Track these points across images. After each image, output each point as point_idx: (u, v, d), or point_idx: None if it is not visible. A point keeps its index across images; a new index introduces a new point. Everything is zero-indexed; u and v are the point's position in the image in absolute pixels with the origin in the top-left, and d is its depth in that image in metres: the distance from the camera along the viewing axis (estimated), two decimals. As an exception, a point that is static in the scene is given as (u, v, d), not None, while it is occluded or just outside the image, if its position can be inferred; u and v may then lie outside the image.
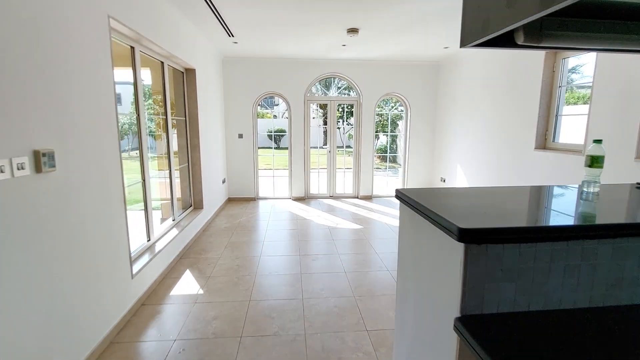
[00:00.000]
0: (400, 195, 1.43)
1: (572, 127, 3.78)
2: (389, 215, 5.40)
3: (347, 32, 4.21)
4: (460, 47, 1.31)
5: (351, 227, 4.74)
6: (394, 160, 11.38)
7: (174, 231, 3.61)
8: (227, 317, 2.50)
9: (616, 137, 2.92)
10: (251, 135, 6.13)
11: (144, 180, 3.06)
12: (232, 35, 4.45)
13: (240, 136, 6.10)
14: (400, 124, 13.64)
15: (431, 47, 5.09)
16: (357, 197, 6.57)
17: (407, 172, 6.55)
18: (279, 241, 4.18)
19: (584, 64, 3.75)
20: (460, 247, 0.96)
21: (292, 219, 5.18)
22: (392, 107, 13.09)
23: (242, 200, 6.27)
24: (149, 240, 3.17)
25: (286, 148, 6.38)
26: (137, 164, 3.04)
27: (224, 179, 5.97)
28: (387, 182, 7.19)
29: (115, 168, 2.33)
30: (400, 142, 13.23)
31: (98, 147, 2.12)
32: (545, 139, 3.86)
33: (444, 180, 6.10)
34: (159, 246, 3.18)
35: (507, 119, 4.34)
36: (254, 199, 6.34)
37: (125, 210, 2.49)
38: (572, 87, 3.83)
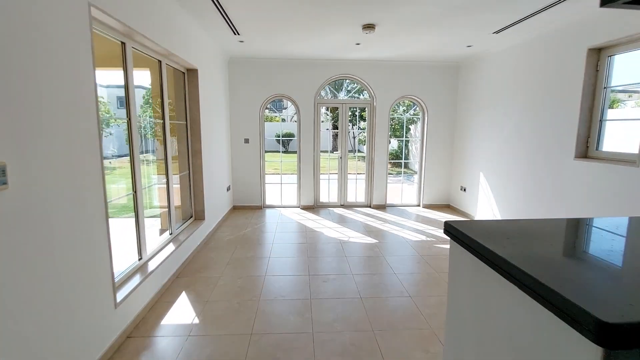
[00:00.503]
0: (455, 232, 1.04)
1: (619, 134, 3.33)
2: (405, 227, 4.98)
3: (363, 28, 3.84)
4: (600, 6, 0.91)
5: (365, 242, 4.34)
6: (406, 165, 10.92)
7: (170, 247, 3.27)
8: (224, 357, 2.12)
9: (685, 147, 2.47)
10: (258, 140, 5.78)
11: (135, 192, 2.72)
12: (238, 33, 4.11)
13: (247, 141, 5.76)
14: (413, 127, 13.22)
15: (452, 46, 4.68)
16: (370, 206, 6.17)
17: (423, 179, 6.12)
18: (287, 257, 3.80)
19: (634, 62, 3.29)
20: (593, 351, 0.56)
21: (301, 230, 4.80)
22: (405, 110, 12.66)
23: (247, 209, 5.92)
24: (140, 258, 2.83)
25: (295, 152, 6.03)
26: (144, 169, 2.71)
27: (229, 186, 5.63)
28: (401, 190, 6.76)
29: (95, 181, 1.99)
30: (413, 147, 12.78)
31: (72, 156, 1.77)
32: (587, 147, 3.41)
33: (465, 190, 5.65)
34: (152, 265, 2.84)
35: (541, 124, 3.90)
36: (260, 208, 5.99)
37: (108, 228, 2.14)
38: (617, 89, 3.37)
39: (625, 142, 3.23)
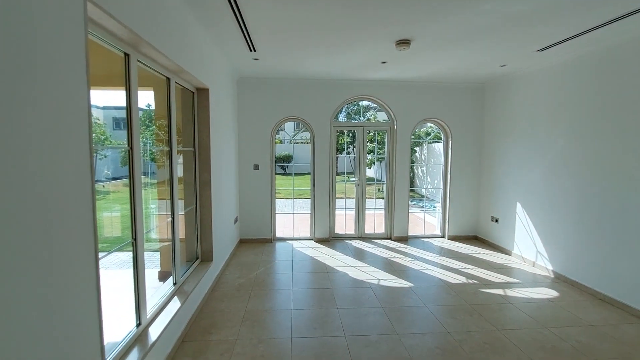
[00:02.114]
0: None
1: None
2: (437, 265, 4.40)
3: (397, 44, 3.43)
4: None
5: (398, 285, 3.74)
6: (412, 190, 10.42)
7: (175, 303, 2.64)
8: None
9: None
10: (268, 166, 5.26)
11: (134, 240, 2.13)
12: (254, 50, 3.67)
13: (256, 167, 5.23)
14: (419, 150, 12.85)
15: (485, 65, 4.31)
16: (391, 238, 5.60)
17: (448, 209, 5.60)
18: (312, 310, 3.17)
19: None
20: None
21: (321, 270, 4.18)
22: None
23: (256, 243, 5.30)
24: (139, 324, 2.20)
25: (297, 174, 5.49)
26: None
27: (236, 217, 5.04)
28: (424, 220, 6.23)
29: (83, 222, 1.42)
30: (418, 170, 12.35)
31: (47, 199, 1.21)
32: (664, 178, 2.94)
33: (497, 220, 5.13)
34: (153, 333, 2.21)
35: (597, 152, 3.44)
36: (270, 241, 5.37)
37: (98, 281, 1.54)
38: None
39: None
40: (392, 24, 2.96)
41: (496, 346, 2.59)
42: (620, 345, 2.60)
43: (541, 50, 3.65)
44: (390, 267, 4.33)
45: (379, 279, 3.91)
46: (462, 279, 3.92)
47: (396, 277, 3.97)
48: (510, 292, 3.58)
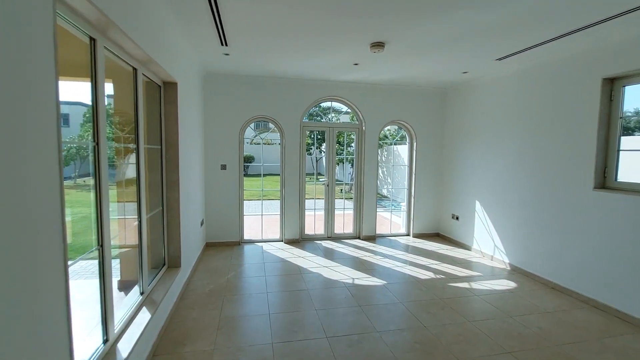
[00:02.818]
0: None
1: (633, 164, 3.29)
2: (406, 262, 4.55)
3: (371, 46, 3.48)
4: None
5: (372, 283, 3.80)
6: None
7: (144, 315, 2.42)
8: None
9: None
10: (237, 166, 5.06)
11: (101, 247, 1.92)
12: (226, 44, 3.51)
13: (224, 167, 5.01)
14: (380, 152, 13.24)
15: (449, 71, 4.55)
16: (359, 237, 5.68)
17: (413, 208, 5.83)
18: (290, 312, 3.10)
19: (643, 93, 3.32)
20: None
21: (294, 272, 4.11)
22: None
23: (223, 246, 5.08)
24: (106, 340, 1.98)
25: (257, 175, 5.39)
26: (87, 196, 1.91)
27: (202, 220, 4.78)
28: (390, 219, 6.41)
29: (51, 222, 1.23)
30: (380, 172, 12.73)
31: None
32: (605, 177, 3.32)
33: (457, 218, 5.44)
34: (123, 350, 2.00)
35: (550, 152, 3.79)
36: (238, 243, 5.18)
37: (69, 318, 1.35)
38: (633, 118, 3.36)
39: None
40: (369, 27, 2.99)
41: (469, 337, 2.73)
42: (574, 329, 2.88)
43: (500, 59, 3.93)
44: (363, 266, 4.39)
45: (353, 278, 3.94)
46: (431, 275, 4.10)
47: (369, 276, 4.03)
48: (474, 285, 3.81)
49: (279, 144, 5.31)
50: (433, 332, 2.80)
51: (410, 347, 2.57)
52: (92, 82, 1.85)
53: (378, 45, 3.44)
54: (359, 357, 2.44)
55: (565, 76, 3.60)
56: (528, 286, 3.80)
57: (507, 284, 3.86)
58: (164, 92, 3.18)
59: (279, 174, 5.37)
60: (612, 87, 3.25)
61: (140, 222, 2.59)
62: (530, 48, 3.49)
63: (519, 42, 3.36)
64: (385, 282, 3.86)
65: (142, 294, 2.64)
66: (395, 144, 10.70)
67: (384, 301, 3.36)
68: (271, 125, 5.37)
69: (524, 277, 4.06)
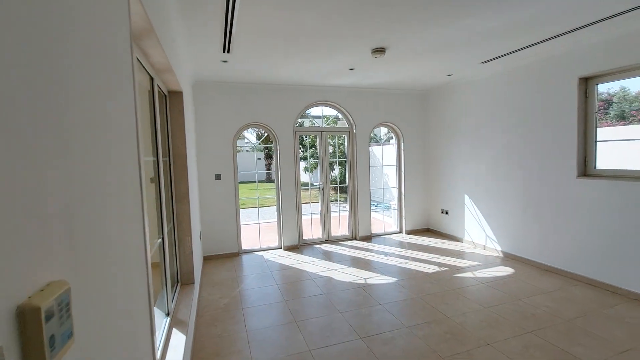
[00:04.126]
0: None
1: (611, 152, 3.70)
2: (409, 258, 4.71)
3: (373, 51, 3.60)
4: None
5: (384, 282, 3.90)
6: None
7: (178, 336, 2.29)
8: None
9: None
10: (232, 175, 4.94)
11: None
12: (229, 51, 3.44)
13: (218, 177, 4.86)
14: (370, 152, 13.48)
15: (435, 74, 4.81)
16: (356, 238, 5.77)
17: (404, 206, 6.04)
18: (316, 318, 3.09)
19: (612, 89, 3.75)
20: None
21: (304, 278, 4.09)
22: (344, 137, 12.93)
23: (222, 258, 4.91)
24: (152, 367, 1.85)
25: (256, 182, 5.32)
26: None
27: (200, 233, 4.60)
28: (383, 218, 6.55)
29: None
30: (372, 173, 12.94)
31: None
32: (585, 166, 3.70)
33: (447, 212, 5.73)
34: (170, 375, 1.88)
35: (534, 146, 4.14)
36: (237, 254, 5.03)
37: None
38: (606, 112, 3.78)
39: (618, 161, 3.59)
40: (374, 33, 3.10)
41: (491, 322, 2.90)
42: (576, 305, 3.17)
43: (484, 62, 4.24)
44: (369, 265, 4.47)
45: (364, 278, 4.01)
46: (435, 268, 4.28)
47: (379, 274, 4.12)
48: (477, 274, 4.04)
49: (249, 151, 5.26)
50: (457, 322, 2.94)
51: (442, 338, 2.68)
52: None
53: (379, 50, 3.57)
54: (398, 352, 2.50)
55: (545, 76, 3.97)
56: (523, 270, 4.11)
57: (505, 270, 4.14)
58: (170, 102, 3.05)
59: (253, 182, 5.29)
60: (587, 85, 3.64)
61: (163, 238, 2.45)
62: (513, 52, 3.81)
63: (503, 46, 3.65)
64: (396, 279, 3.97)
65: (168, 314, 2.50)
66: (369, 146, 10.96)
67: (402, 297, 3.46)
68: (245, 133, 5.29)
69: (517, 262, 4.38)
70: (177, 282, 3.13)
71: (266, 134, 5.38)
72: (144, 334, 1.21)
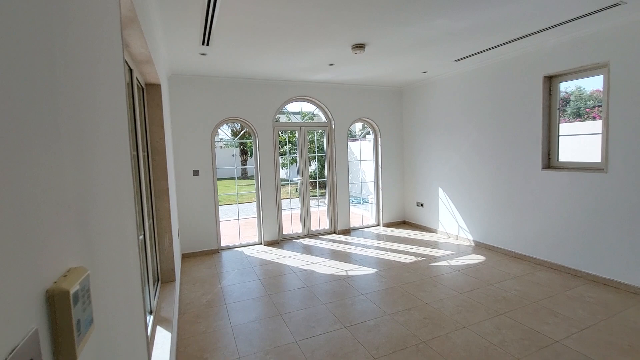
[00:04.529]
0: None
1: (571, 146, 4.00)
2: (387, 250, 4.85)
3: (353, 47, 3.66)
4: None
5: (365, 273, 4.00)
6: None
7: (162, 333, 2.26)
8: None
9: (646, 154, 3.07)
10: (210, 170, 4.85)
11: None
12: (208, 44, 3.37)
13: (196, 173, 4.75)
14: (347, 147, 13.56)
15: (411, 71, 4.95)
16: (335, 232, 5.86)
17: (381, 199, 6.19)
18: (301, 310, 3.13)
19: (569, 87, 4.04)
20: None
21: (286, 272, 4.12)
22: (322, 132, 12.99)
23: (202, 255, 4.83)
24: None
25: (235, 179, 5.27)
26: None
27: (179, 230, 4.48)
28: (361, 211, 6.67)
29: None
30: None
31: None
32: (549, 159, 3.97)
33: (422, 205, 5.94)
34: (157, 372, 1.86)
35: (503, 140, 4.39)
36: (216, 251, 4.96)
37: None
38: (567, 108, 4.07)
39: (577, 154, 3.89)
40: (354, 29, 3.15)
41: (466, 306, 3.08)
42: (541, 287, 3.42)
43: (458, 60, 4.42)
44: (349, 258, 4.57)
45: (346, 270, 4.10)
46: (413, 258, 4.45)
47: (359, 266, 4.23)
48: (452, 262, 4.24)
49: (223, 147, 5.21)
50: (435, 307, 3.09)
51: (422, 323, 2.81)
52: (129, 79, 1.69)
53: (359, 46, 3.63)
54: (382, 339, 2.60)
55: (513, 74, 4.20)
56: (493, 257, 4.36)
57: (476, 258, 4.37)
58: (147, 95, 2.95)
59: (229, 178, 5.25)
60: (551, 83, 3.90)
61: (144, 234, 2.39)
62: (485, 51, 4.00)
63: (475, 46, 3.83)
64: (375, 270, 4.09)
65: (151, 312, 2.44)
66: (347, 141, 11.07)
67: (382, 287, 3.58)
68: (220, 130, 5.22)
69: (488, 250, 4.64)
70: (158, 280, 3.05)
71: (245, 130, 5.32)
72: (139, 321, 1.20)
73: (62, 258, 0.54)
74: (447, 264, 4.21)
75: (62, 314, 0.48)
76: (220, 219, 5.10)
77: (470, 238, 4.99)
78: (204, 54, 3.72)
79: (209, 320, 3.00)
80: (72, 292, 0.49)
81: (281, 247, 5.16)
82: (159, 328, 2.33)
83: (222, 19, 2.80)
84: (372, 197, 6.50)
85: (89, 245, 0.67)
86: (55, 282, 0.49)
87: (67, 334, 0.48)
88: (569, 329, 2.63)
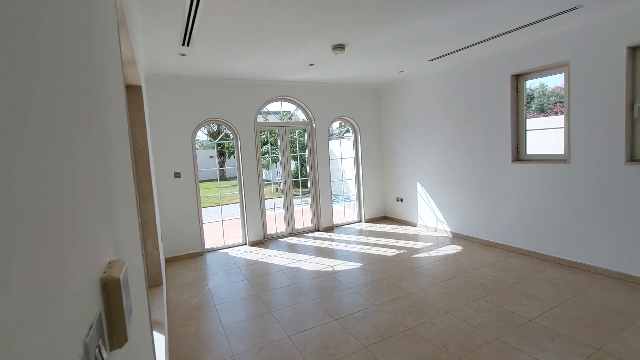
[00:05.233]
0: None
1: (537, 140, 4.29)
2: (370, 245, 5.00)
3: (333, 48, 3.75)
4: None
5: (350, 267, 4.12)
6: (305, 185, 11.16)
7: (158, 336, 2.26)
8: None
9: (601, 144, 3.37)
10: (192, 172, 4.79)
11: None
12: (188, 45, 3.34)
13: (177, 175, 4.69)
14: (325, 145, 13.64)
15: (388, 70, 5.11)
16: (319, 230, 5.95)
17: (363, 196, 6.34)
18: (291, 307, 3.19)
19: (533, 85, 4.34)
20: None
21: (274, 271, 4.16)
22: (301, 132, 13.05)
23: (185, 259, 4.77)
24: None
25: (217, 180, 5.24)
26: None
27: (161, 234, 4.41)
28: (343, 208, 6.80)
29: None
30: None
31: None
32: (518, 152, 4.24)
33: (402, 200, 6.15)
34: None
35: (475, 136, 4.64)
36: (200, 254, 4.92)
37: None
38: (533, 104, 4.35)
39: (544, 146, 4.18)
40: (333, 30, 3.24)
41: (447, 293, 3.25)
42: (514, 272, 3.67)
43: (432, 60, 4.62)
44: (334, 254, 4.67)
45: (332, 266, 4.19)
46: (395, 251, 4.61)
47: (344, 261, 4.34)
48: (432, 253, 4.45)
49: (201, 148, 5.19)
50: (419, 296, 3.24)
51: (407, 311, 2.95)
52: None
53: (339, 47, 3.73)
54: (370, 328, 2.72)
55: (483, 73, 4.45)
56: (470, 247, 4.61)
57: (454, 248, 4.60)
58: (128, 97, 2.90)
59: (208, 180, 5.24)
60: (518, 81, 4.17)
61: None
62: (457, 51, 4.22)
63: (448, 46, 4.03)
64: (360, 264, 4.21)
65: (141, 316, 2.42)
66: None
67: (368, 280, 3.70)
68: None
69: (464, 241, 4.89)
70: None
71: (225, 131, 5.29)
72: (145, 320, 1.23)
73: (105, 252, 0.58)
74: (427, 255, 4.40)
75: (114, 298, 0.53)
76: (203, 221, 5.06)
77: (448, 230, 5.23)
78: (183, 55, 3.69)
79: (199, 321, 3.00)
80: (121, 279, 0.54)
81: (266, 247, 5.18)
82: (156, 335, 2.32)
83: (204, 19, 2.80)
84: (353, 194, 6.64)
85: (115, 243, 0.71)
86: (104, 272, 0.54)
87: (120, 316, 0.53)
88: (540, 308, 2.86)
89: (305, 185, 6.23)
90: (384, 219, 6.57)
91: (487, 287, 3.33)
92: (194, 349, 2.58)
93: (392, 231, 5.68)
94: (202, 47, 3.49)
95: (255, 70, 4.51)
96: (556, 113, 4.86)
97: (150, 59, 3.79)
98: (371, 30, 3.33)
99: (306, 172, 6.04)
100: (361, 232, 5.74)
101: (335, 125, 10.02)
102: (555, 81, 4.27)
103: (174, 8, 2.57)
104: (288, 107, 5.89)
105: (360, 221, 6.46)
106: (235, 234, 5.74)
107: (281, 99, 5.53)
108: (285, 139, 5.63)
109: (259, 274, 4.10)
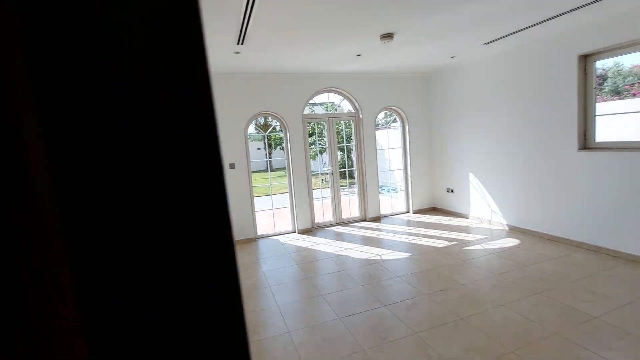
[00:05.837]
0: None
1: (608, 126, 3.90)
2: (419, 235, 4.95)
3: (382, 37, 3.73)
4: None
5: (399, 257, 4.14)
6: (351, 175, 11.19)
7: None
8: None
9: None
10: (245, 163, 5.11)
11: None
12: (242, 43, 3.56)
13: (232, 166, 5.03)
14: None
15: (439, 56, 4.93)
16: (366, 220, 6.01)
17: (410, 186, 6.26)
18: (340, 291, 3.33)
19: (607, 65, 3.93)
20: None
21: (323, 257, 4.33)
22: (347, 123, 13.07)
23: (240, 244, 5.13)
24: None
25: (268, 171, 5.50)
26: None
27: (219, 221, 4.79)
28: (390, 199, 6.79)
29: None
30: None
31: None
32: (585, 139, 3.90)
33: (452, 191, 5.96)
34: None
35: (537, 122, 4.33)
36: (254, 239, 5.26)
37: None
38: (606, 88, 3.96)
39: (615, 134, 3.80)
40: (383, 18, 3.23)
41: (502, 286, 3.16)
42: (579, 268, 3.43)
43: (487, 43, 4.38)
44: (381, 243, 4.71)
45: (380, 255, 4.25)
46: (445, 243, 4.53)
47: (393, 251, 4.37)
48: (486, 246, 4.29)
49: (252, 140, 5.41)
50: (471, 288, 3.19)
51: (459, 302, 2.93)
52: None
53: (388, 36, 3.70)
54: (421, 316, 2.75)
55: (546, 55, 4.12)
56: (528, 241, 4.36)
57: (511, 242, 4.39)
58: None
59: (257, 171, 5.47)
60: (586, 62, 3.81)
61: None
62: (515, 32, 3.95)
63: (505, 28, 3.79)
64: (409, 254, 4.21)
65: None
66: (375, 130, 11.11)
67: (417, 269, 3.71)
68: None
69: (522, 234, 4.63)
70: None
71: (275, 123, 5.53)
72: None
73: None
74: (481, 247, 4.26)
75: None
76: (255, 209, 5.38)
77: (504, 222, 4.99)
78: (237, 53, 3.93)
79: (256, 300, 3.27)
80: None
81: (314, 235, 5.38)
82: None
83: (258, 17, 2.97)
84: (400, 185, 6.57)
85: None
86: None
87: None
88: (608, 305, 2.67)
89: (351, 175, 6.29)
90: (433, 210, 6.42)
91: (547, 282, 3.16)
92: (253, 324, 2.83)
93: (442, 222, 5.55)
94: (255, 44, 3.68)
95: (303, 63, 4.65)
96: (634, 95, 4.35)
97: (209, 59, 4.08)
98: (421, 17, 3.26)
99: (352, 162, 6.09)
100: (409, 223, 5.69)
101: (381, 115, 9.91)
102: (633, 59, 3.82)
103: (233, 9, 2.76)
104: (334, 98, 5.97)
105: (407, 212, 6.39)
106: (284, 222, 6.02)
107: (329, 91, 5.62)
108: (332, 130, 5.73)
109: (308, 260, 4.29)
